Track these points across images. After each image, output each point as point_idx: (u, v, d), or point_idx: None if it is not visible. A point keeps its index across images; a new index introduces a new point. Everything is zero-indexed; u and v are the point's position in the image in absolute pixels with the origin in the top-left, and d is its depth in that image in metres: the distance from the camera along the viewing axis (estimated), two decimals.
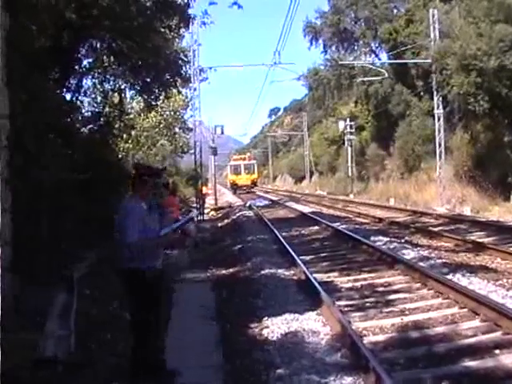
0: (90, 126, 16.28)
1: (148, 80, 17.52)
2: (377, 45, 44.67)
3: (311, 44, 47.16)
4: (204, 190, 38.26)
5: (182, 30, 20.35)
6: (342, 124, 48.78)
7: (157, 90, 18.41)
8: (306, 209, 31.82)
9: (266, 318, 8.60)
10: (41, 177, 10.19)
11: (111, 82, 18.54)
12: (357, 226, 20.94)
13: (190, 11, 17.12)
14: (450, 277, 10.36)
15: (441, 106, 31.43)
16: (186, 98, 36.56)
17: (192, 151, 36.56)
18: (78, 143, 13.89)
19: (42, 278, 8.74)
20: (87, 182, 12.15)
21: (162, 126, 36.65)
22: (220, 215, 34.73)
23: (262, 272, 12.54)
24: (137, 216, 5.78)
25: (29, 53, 10.53)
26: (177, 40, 22.03)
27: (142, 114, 30.52)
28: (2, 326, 4.67)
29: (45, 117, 10.79)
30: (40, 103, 10.67)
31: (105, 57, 16.78)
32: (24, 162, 9.01)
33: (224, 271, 13.58)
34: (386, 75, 38.02)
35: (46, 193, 10.50)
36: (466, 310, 8.25)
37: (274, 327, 8.10)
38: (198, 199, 33.68)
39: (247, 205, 38.32)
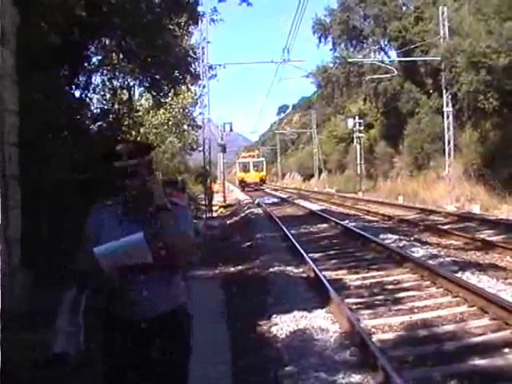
0: (99, 123, 16.29)
1: (157, 77, 17.53)
2: (386, 42, 44.55)
3: (320, 41, 47.03)
4: (216, 187, 38.24)
5: (191, 27, 20.37)
6: (350, 122, 48.76)
7: (166, 87, 18.42)
8: (314, 206, 31.81)
9: (275, 315, 8.61)
10: (41, 176, 10.21)
11: (120, 79, 18.56)
12: (366, 224, 20.92)
13: (199, 8, 17.19)
14: (459, 275, 10.33)
15: (450, 104, 31.35)
16: (195, 95, 36.60)
17: (201, 148, 36.59)
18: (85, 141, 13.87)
19: (42, 277, 8.75)
20: (87, 181, 12.11)
21: (170, 123, 36.63)
22: (228, 213, 34.77)
23: (271, 269, 12.55)
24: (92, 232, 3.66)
25: (38, 51, 10.56)
26: (186, 37, 22.04)
27: (151, 111, 30.52)
28: (2, 325, 4.69)
29: (45, 116, 10.80)
30: (40, 102, 10.69)
31: (114, 54, 16.79)
32: (25, 161, 9.03)
33: (233, 268, 13.60)
34: (395, 73, 37.98)
35: (46, 192, 10.51)
36: (475, 308, 8.23)
37: (283, 325, 8.11)
38: (207, 196, 33.71)
39: (256, 202, 38.35)
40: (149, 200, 3.49)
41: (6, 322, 4.71)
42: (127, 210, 3.58)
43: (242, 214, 30.12)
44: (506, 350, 6.44)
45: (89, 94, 16.55)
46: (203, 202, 34.01)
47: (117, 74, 18.07)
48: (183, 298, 3.80)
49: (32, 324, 7.04)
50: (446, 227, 18.85)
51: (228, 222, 28.19)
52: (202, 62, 31.09)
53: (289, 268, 12.65)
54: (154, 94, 19.08)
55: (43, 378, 5.76)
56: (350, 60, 42.67)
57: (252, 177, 71.30)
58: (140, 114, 24.62)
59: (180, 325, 3.71)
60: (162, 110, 30.98)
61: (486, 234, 16.68)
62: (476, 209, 25.02)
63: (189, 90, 28.93)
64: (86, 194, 12.17)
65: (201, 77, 30.39)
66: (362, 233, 16.76)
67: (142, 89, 20.62)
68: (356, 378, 5.96)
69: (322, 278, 10.60)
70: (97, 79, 17.90)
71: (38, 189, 10.08)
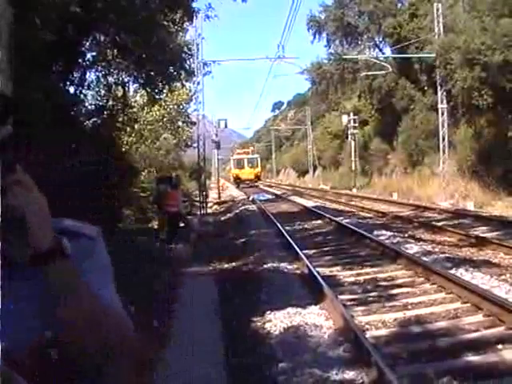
0: (94, 119, 16.25)
1: (152, 73, 17.48)
2: (380, 39, 44.51)
3: (315, 38, 46.96)
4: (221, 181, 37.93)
5: (186, 24, 20.34)
6: (345, 118, 48.66)
7: (160, 84, 18.37)
8: (309, 203, 31.83)
9: (269, 311, 8.62)
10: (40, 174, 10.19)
11: (115, 76, 18.49)
12: (360, 221, 20.94)
13: (194, 5, 17.16)
14: (453, 271, 10.36)
15: (444, 101, 31.34)
16: (190, 91, 36.54)
17: (195, 145, 36.57)
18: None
19: None
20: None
21: (165, 119, 36.56)
22: (223, 209, 34.75)
23: (265, 266, 12.56)
24: None
25: (33, 48, 10.53)
26: (180, 33, 22.02)
27: (146, 108, 30.44)
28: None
29: (44, 115, 10.77)
30: (40, 101, 10.66)
31: (108, 50, 16.74)
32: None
33: (227, 265, 13.60)
34: (390, 69, 37.96)
35: (46, 189, 10.47)
36: (468, 304, 8.25)
37: (277, 321, 8.12)
38: (201, 192, 33.68)
39: (250, 199, 38.35)
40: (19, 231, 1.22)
41: None
42: None
43: (237, 211, 30.12)
44: (500, 346, 6.46)
45: (83, 91, 16.52)
46: (197, 199, 33.97)
47: (111, 70, 18.01)
48: None
49: None
50: (440, 224, 18.85)
51: (222, 218, 28.18)
52: (197, 58, 31.05)
53: (283, 264, 12.66)
54: (149, 90, 19.02)
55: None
56: (344, 56, 42.65)
57: (247, 173, 71.26)
58: (135, 110, 24.60)
59: None
60: (156, 107, 30.89)
61: (480, 231, 16.68)
62: (470, 205, 25.04)
63: (183, 86, 28.84)
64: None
65: (195, 73, 30.36)
66: (356, 229, 16.78)
67: (137, 85, 20.55)
68: (350, 374, 5.98)
69: (316, 274, 10.63)
70: (91, 75, 17.86)
71: (39, 186, 10.06)
